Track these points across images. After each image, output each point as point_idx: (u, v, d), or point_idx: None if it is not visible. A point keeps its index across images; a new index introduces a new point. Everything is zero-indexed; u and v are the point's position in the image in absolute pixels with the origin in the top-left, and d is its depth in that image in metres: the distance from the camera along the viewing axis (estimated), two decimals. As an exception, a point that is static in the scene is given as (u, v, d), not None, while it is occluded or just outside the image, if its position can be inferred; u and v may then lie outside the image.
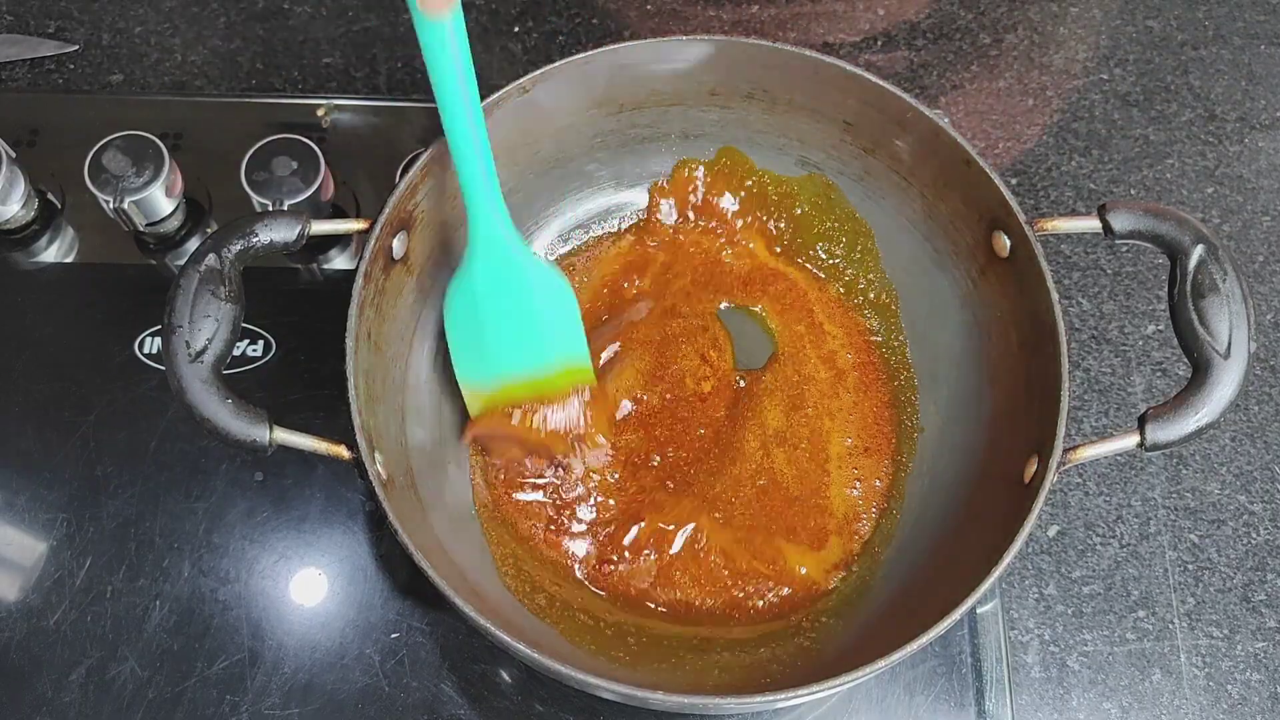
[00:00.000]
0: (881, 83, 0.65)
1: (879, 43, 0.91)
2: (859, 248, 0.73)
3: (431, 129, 0.63)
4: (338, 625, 0.69)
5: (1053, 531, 0.74)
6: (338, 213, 0.80)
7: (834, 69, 0.65)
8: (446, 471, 0.67)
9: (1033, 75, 0.90)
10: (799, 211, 0.74)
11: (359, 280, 0.59)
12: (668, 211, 0.75)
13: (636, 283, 0.74)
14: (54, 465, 0.73)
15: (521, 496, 0.68)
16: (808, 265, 0.75)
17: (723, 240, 0.75)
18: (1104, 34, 0.92)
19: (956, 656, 0.69)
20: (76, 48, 0.89)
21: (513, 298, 0.64)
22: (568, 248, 0.75)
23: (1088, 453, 0.57)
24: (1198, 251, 0.58)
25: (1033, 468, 0.58)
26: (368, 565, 0.71)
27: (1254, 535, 0.74)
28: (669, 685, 0.60)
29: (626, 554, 0.66)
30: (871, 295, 0.73)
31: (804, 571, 0.66)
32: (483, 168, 0.60)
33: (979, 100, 0.88)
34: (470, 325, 0.65)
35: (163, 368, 0.72)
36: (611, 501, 0.68)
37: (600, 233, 0.76)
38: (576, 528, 0.67)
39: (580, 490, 0.68)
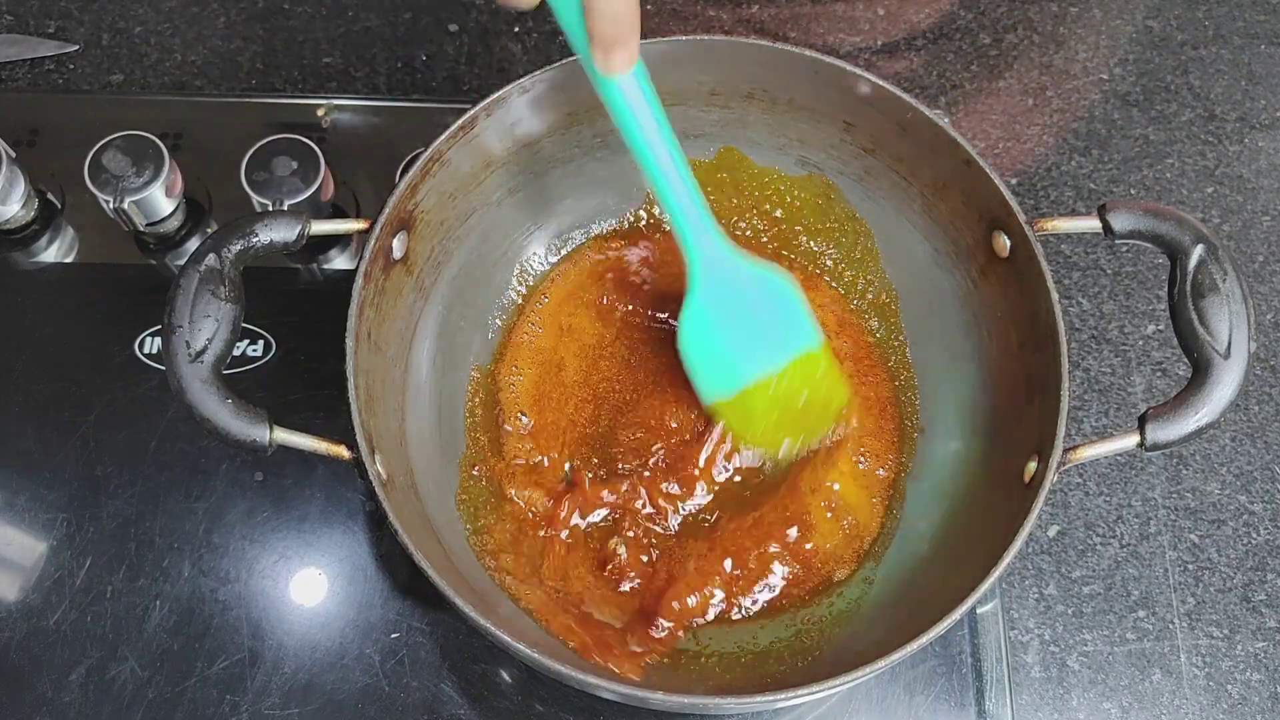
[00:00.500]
0: (881, 82, 0.65)
1: (879, 43, 0.91)
2: (859, 248, 0.73)
3: (431, 129, 0.63)
4: (338, 625, 0.69)
5: (1053, 531, 0.74)
6: (338, 213, 0.80)
7: (834, 69, 0.65)
8: (447, 471, 0.67)
9: (1032, 75, 0.90)
10: (798, 210, 0.74)
11: (359, 280, 0.59)
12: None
13: (643, 274, 0.74)
14: (54, 465, 0.73)
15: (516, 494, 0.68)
16: (807, 265, 0.75)
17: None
18: (1104, 34, 0.92)
19: (956, 656, 0.69)
20: (76, 48, 0.89)
21: (739, 303, 0.65)
22: (567, 248, 0.75)
23: (1088, 453, 0.57)
24: (1198, 251, 0.58)
25: (1033, 468, 0.58)
26: (368, 565, 0.71)
27: (1254, 535, 0.74)
28: (669, 685, 0.60)
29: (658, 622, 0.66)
30: (871, 295, 0.73)
31: (809, 547, 0.67)
32: (688, 198, 0.61)
33: (979, 100, 0.89)
34: (704, 343, 0.66)
35: (163, 368, 0.72)
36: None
37: (600, 231, 0.76)
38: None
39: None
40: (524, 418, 0.70)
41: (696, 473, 0.68)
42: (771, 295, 0.66)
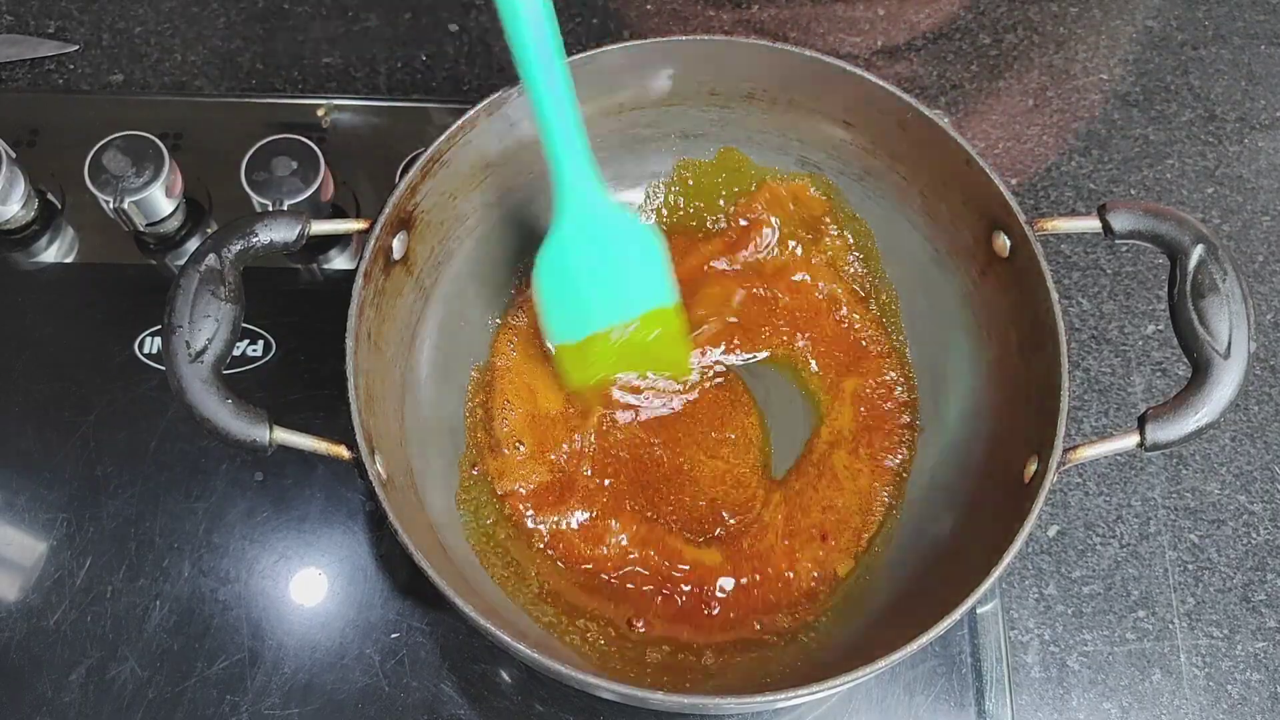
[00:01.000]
0: (881, 83, 0.65)
1: (879, 43, 0.91)
2: (859, 248, 0.73)
3: (431, 129, 0.63)
4: (338, 625, 0.69)
5: (1053, 531, 0.74)
6: (338, 213, 0.80)
7: (834, 69, 0.65)
8: (447, 471, 0.67)
9: (1032, 75, 0.90)
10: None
11: (359, 280, 0.59)
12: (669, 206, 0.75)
13: None
14: (54, 465, 0.73)
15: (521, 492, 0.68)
16: (806, 265, 0.75)
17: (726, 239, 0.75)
18: (1104, 34, 0.92)
19: (956, 656, 0.69)
20: (76, 48, 0.89)
21: (601, 249, 0.65)
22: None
23: (1088, 453, 0.57)
24: (1198, 251, 0.58)
25: (1033, 468, 0.58)
26: (368, 565, 0.71)
27: (1254, 535, 0.74)
28: (669, 685, 0.60)
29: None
30: (872, 295, 0.73)
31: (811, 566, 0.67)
32: (568, 126, 0.60)
33: (979, 100, 0.89)
34: (559, 284, 0.66)
35: (163, 368, 0.72)
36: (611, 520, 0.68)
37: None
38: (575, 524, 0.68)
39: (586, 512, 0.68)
40: (521, 446, 0.69)
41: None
42: (633, 244, 0.66)
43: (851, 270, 0.74)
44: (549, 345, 0.69)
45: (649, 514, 0.68)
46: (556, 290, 0.66)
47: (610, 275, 0.66)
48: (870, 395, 0.71)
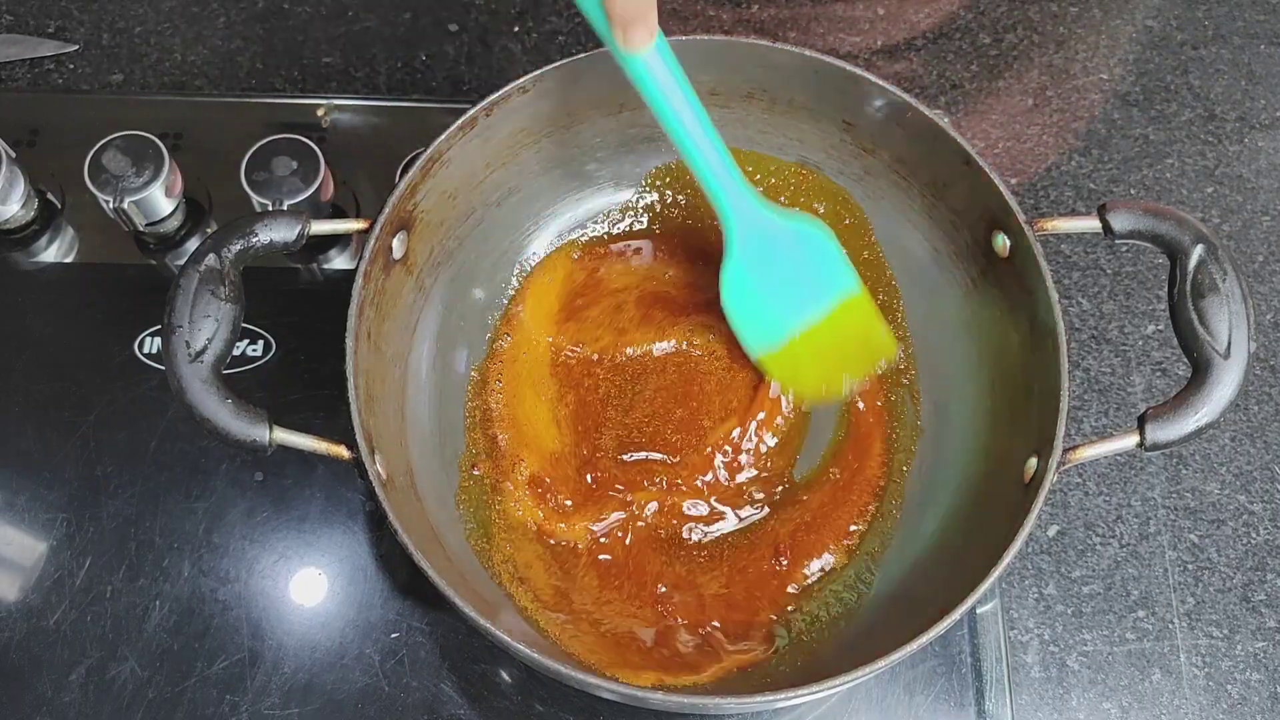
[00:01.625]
0: (881, 82, 0.65)
1: (879, 43, 0.91)
2: (858, 248, 0.73)
3: (431, 129, 0.63)
4: (338, 625, 0.69)
5: (1053, 531, 0.74)
6: (338, 213, 0.80)
7: (834, 69, 0.65)
8: (446, 471, 0.67)
9: (1032, 75, 0.90)
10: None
11: (359, 280, 0.59)
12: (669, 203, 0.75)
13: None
14: (54, 465, 0.73)
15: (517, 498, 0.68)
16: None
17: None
18: (1104, 34, 0.92)
19: (956, 656, 0.69)
20: (76, 48, 0.89)
21: (777, 257, 0.66)
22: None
23: (1088, 453, 0.57)
24: (1197, 251, 0.58)
25: (1033, 468, 0.58)
26: (368, 565, 0.71)
27: (1254, 535, 0.74)
28: (669, 685, 0.60)
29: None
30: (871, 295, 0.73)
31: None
32: (720, 164, 0.63)
33: (979, 100, 0.89)
34: (746, 301, 0.68)
35: (163, 368, 0.71)
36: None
37: (598, 234, 0.76)
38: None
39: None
40: (520, 446, 0.69)
41: (705, 481, 0.68)
42: (807, 245, 0.67)
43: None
44: (752, 359, 0.69)
45: (648, 510, 0.68)
46: (745, 307, 0.68)
47: (792, 279, 0.67)
48: (869, 395, 0.71)
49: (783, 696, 0.53)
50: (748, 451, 0.69)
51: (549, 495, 0.68)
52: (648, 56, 0.58)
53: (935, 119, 0.64)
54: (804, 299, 0.68)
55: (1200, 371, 0.57)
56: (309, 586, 0.70)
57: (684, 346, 0.71)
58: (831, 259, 0.67)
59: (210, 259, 0.57)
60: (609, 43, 0.58)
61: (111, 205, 0.75)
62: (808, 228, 0.67)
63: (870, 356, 0.70)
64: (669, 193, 0.75)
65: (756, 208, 0.65)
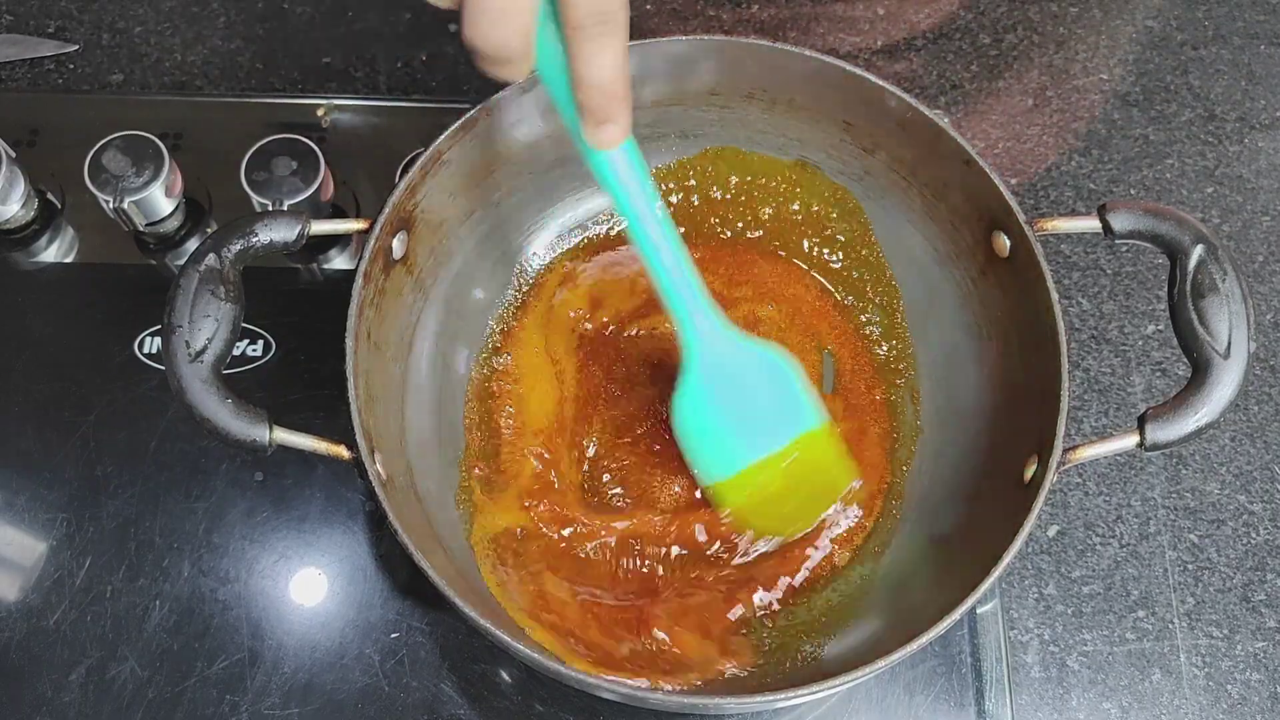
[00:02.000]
0: (881, 83, 0.65)
1: (879, 43, 0.91)
2: (858, 247, 0.73)
3: (431, 129, 0.63)
4: (338, 625, 0.69)
5: (1053, 531, 0.74)
6: (338, 213, 0.80)
7: (834, 69, 0.65)
8: (446, 471, 0.67)
9: (1032, 75, 0.90)
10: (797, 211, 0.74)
11: (359, 280, 0.59)
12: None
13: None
14: (54, 465, 0.73)
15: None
16: (806, 265, 0.75)
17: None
18: (1104, 34, 0.92)
19: (956, 656, 0.69)
20: (76, 48, 0.89)
21: (736, 383, 0.63)
22: (566, 247, 0.75)
23: (1088, 453, 0.57)
24: (1197, 251, 0.58)
25: (1033, 468, 0.58)
26: (368, 565, 0.71)
27: (1254, 535, 0.74)
28: (668, 685, 0.60)
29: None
30: (871, 295, 0.73)
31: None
32: (682, 276, 0.59)
33: (979, 100, 0.89)
34: (700, 424, 0.64)
35: (163, 368, 0.71)
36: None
37: (597, 234, 0.76)
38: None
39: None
40: (520, 447, 0.69)
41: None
42: (769, 374, 0.64)
43: (851, 270, 0.74)
44: (701, 486, 0.66)
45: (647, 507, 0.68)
46: (699, 431, 0.64)
47: (750, 407, 0.64)
48: (869, 395, 0.71)
49: (783, 696, 0.53)
50: None
51: (549, 495, 0.68)
52: (614, 155, 0.54)
53: (935, 119, 0.64)
54: (762, 429, 0.64)
55: (1200, 371, 0.57)
56: (309, 586, 0.70)
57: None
58: (794, 390, 0.64)
59: (210, 259, 0.57)
60: (574, 135, 0.53)
61: (111, 205, 0.75)
62: (771, 354, 0.64)
63: (829, 490, 0.67)
64: (668, 192, 0.75)
65: (718, 325, 0.62)
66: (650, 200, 0.57)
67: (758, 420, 0.65)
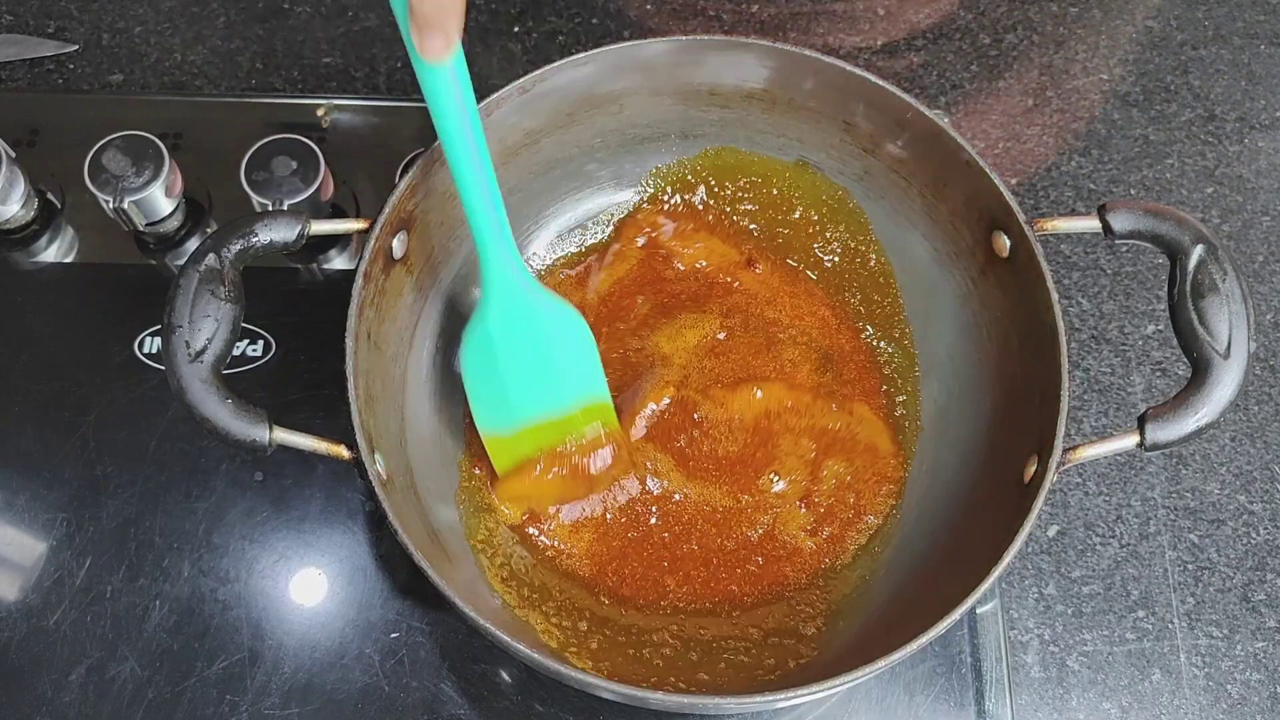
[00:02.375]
0: (881, 83, 0.65)
1: (879, 43, 0.91)
2: (858, 247, 0.73)
3: (431, 129, 0.63)
4: (338, 625, 0.69)
5: (1053, 531, 0.74)
6: (338, 213, 0.80)
7: (834, 69, 0.65)
8: (446, 471, 0.67)
9: (1032, 75, 0.90)
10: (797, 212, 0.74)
11: (359, 280, 0.59)
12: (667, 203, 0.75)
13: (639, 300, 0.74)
14: (54, 465, 0.73)
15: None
16: (805, 265, 0.75)
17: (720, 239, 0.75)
18: (1104, 34, 0.92)
19: (956, 656, 0.69)
20: (76, 48, 0.89)
21: (529, 339, 0.63)
22: (565, 248, 0.75)
23: (1088, 453, 0.57)
24: (1197, 251, 0.58)
25: (1033, 468, 0.58)
26: (368, 565, 0.71)
27: (1254, 535, 0.74)
28: (668, 685, 0.60)
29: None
30: (871, 295, 0.73)
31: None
32: (492, 211, 0.59)
33: (979, 100, 0.89)
34: (487, 371, 0.64)
35: (163, 368, 0.72)
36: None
37: (596, 237, 0.76)
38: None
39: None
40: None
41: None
42: (563, 332, 0.64)
43: (851, 270, 0.74)
44: (481, 436, 0.66)
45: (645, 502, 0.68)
46: (484, 377, 0.64)
47: (540, 365, 0.63)
48: (870, 395, 0.71)
49: (783, 696, 0.53)
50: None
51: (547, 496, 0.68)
52: (444, 73, 0.52)
53: (935, 119, 0.64)
54: (548, 389, 0.64)
55: (1200, 371, 0.57)
56: (309, 586, 0.70)
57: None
58: (586, 355, 0.64)
59: (210, 259, 0.57)
60: (409, 46, 0.52)
61: (111, 205, 0.75)
62: (570, 314, 0.63)
63: (602, 475, 0.66)
64: (669, 192, 0.75)
65: (522, 274, 0.61)
66: (476, 130, 0.55)
67: (545, 378, 0.64)
